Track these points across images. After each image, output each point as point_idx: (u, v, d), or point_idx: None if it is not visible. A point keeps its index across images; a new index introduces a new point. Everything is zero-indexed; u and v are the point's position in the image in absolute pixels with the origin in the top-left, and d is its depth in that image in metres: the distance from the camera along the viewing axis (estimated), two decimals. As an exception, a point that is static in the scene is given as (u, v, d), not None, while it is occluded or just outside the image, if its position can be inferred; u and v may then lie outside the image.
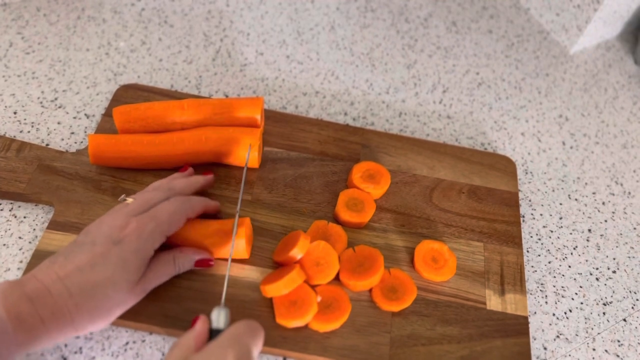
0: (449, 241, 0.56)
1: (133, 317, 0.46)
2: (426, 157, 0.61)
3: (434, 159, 0.61)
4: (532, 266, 0.57)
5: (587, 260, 0.59)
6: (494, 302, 0.52)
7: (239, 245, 0.49)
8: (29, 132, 0.58)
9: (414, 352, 0.48)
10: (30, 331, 0.39)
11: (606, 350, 0.53)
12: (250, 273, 0.50)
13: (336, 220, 0.55)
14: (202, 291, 0.49)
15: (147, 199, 0.47)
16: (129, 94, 0.61)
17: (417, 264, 0.53)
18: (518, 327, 0.51)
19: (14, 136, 0.57)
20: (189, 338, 0.40)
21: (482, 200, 0.59)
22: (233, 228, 0.48)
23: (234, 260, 0.51)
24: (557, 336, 0.53)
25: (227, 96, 0.65)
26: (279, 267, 0.51)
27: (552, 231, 0.60)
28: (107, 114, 0.59)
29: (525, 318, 0.52)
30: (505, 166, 0.62)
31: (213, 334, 0.41)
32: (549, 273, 0.57)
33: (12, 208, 0.53)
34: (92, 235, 0.43)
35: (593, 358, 0.52)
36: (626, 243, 0.61)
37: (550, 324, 0.53)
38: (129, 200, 0.47)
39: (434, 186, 0.59)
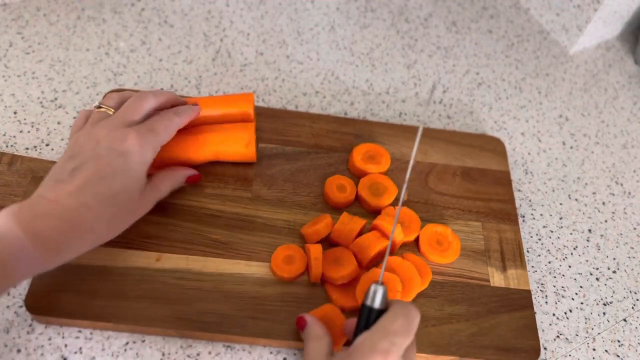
0: (448, 223, 0.57)
1: (146, 322, 0.46)
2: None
3: (426, 144, 0.62)
4: (532, 266, 0.57)
5: (587, 260, 0.59)
6: (497, 279, 0.54)
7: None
8: (28, 132, 0.58)
9: (425, 333, 0.49)
10: (51, 247, 0.40)
11: (606, 351, 0.53)
12: (258, 269, 0.51)
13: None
14: (212, 291, 0.49)
15: (134, 107, 0.48)
16: None
17: (422, 247, 0.54)
18: (522, 300, 0.52)
19: (12, 137, 0.57)
20: (323, 345, 0.42)
21: (476, 181, 0.60)
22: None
23: (233, 258, 0.51)
24: (557, 336, 0.53)
25: (227, 96, 0.65)
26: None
27: (552, 231, 0.60)
28: None
29: (528, 291, 0.53)
30: (495, 146, 0.63)
31: (364, 310, 0.40)
32: (549, 273, 0.57)
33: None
34: (89, 151, 0.44)
35: (593, 358, 0.52)
36: (626, 243, 0.61)
37: (550, 324, 0.53)
38: (109, 110, 0.49)
39: (429, 171, 0.60)
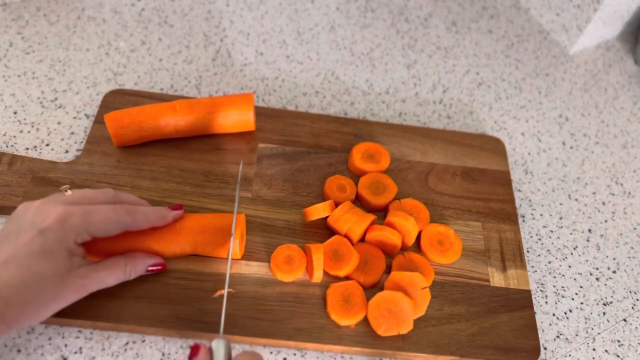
0: (448, 223, 0.57)
1: (146, 322, 0.46)
2: (418, 142, 0.62)
3: (426, 144, 0.62)
4: (532, 266, 0.57)
5: (587, 260, 0.59)
6: (497, 279, 0.54)
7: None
8: (29, 132, 0.58)
9: (425, 332, 0.49)
10: None
11: (606, 351, 0.53)
12: (258, 269, 0.51)
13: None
14: (212, 291, 0.49)
15: (87, 195, 0.45)
16: (117, 99, 0.60)
17: (423, 246, 0.54)
18: (522, 300, 0.53)
19: (12, 137, 0.57)
20: None
21: (476, 181, 0.60)
22: (231, 235, 0.47)
23: (243, 257, 0.51)
24: (557, 336, 0.53)
25: (227, 96, 0.65)
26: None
27: (552, 231, 0.60)
28: (98, 120, 0.58)
29: (528, 291, 0.53)
30: (494, 146, 0.63)
31: None
32: (549, 273, 0.57)
33: (12, 208, 0.53)
34: (18, 224, 0.42)
35: (593, 358, 0.52)
36: (626, 243, 0.61)
37: (550, 324, 0.53)
38: (69, 192, 0.45)
39: (429, 171, 0.60)
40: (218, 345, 0.39)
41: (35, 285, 0.40)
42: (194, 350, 0.39)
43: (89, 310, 0.46)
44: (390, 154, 0.61)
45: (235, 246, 0.48)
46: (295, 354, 0.48)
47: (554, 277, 0.57)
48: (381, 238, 0.52)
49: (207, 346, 0.39)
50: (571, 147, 0.68)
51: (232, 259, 0.51)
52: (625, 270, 0.59)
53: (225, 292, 0.44)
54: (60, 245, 0.41)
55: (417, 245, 0.55)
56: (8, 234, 0.42)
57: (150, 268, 0.47)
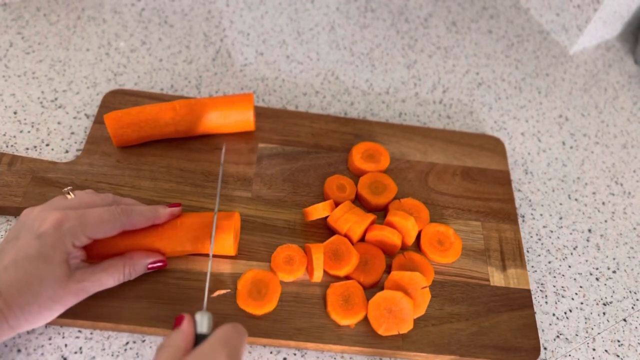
0: (448, 222, 0.57)
1: (146, 322, 0.46)
2: (418, 142, 0.62)
3: (426, 144, 0.62)
4: (532, 266, 0.57)
5: (587, 260, 0.59)
6: (497, 278, 0.54)
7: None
8: (29, 132, 0.58)
9: (425, 332, 0.49)
10: None
11: (606, 350, 0.53)
12: (258, 269, 0.51)
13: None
14: (212, 291, 0.49)
15: (86, 200, 0.46)
16: (117, 99, 0.60)
17: (423, 245, 0.54)
18: (522, 300, 0.53)
19: (12, 137, 0.57)
20: (177, 339, 0.39)
21: (475, 180, 0.61)
22: (212, 226, 0.48)
23: (234, 258, 0.51)
24: (557, 336, 0.53)
25: (227, 96, 0.65)
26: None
27: (552, 231, 0.60)
28: (97, 120, 0.58)
29: (528, 291, 0.53)
30: (494, 146, 0.64)
31: (197, 338, 0.40)
32: (549, 273, 0.57)
33: (10, 223, 0.53)
34: (19, 229, 0.43)
35: (593, 358, 0.52)
36: (626, 243, 0.61)
37: (550, 324, 0.53)
38: (71, 195, 0.46)
39: (429, 170, 0.60)
40: (202, 317, 0.41)
41: (34, 288, 0.40)
42: (178, 320, 0.40)
43: (89, 310, 0.46)
44: (390, 153, 0.61)
45: (227, 242, 0.48)
46: (295, 354, 0.48)
47: (554, 277, 0.57)
48: (381, 238, 0.52)
49: (190, 317, 0.41)
50: (571, 147, 0.68)
51: (229, 258, 0.51)
52: (625, 270, 0.59)
53: (208, 272, 0.45)
54: (57, 250, 0.42)
55: (417, 245, 0.55)
56: (10, 239, 0.43)
57: (151, 265, 0.47)
